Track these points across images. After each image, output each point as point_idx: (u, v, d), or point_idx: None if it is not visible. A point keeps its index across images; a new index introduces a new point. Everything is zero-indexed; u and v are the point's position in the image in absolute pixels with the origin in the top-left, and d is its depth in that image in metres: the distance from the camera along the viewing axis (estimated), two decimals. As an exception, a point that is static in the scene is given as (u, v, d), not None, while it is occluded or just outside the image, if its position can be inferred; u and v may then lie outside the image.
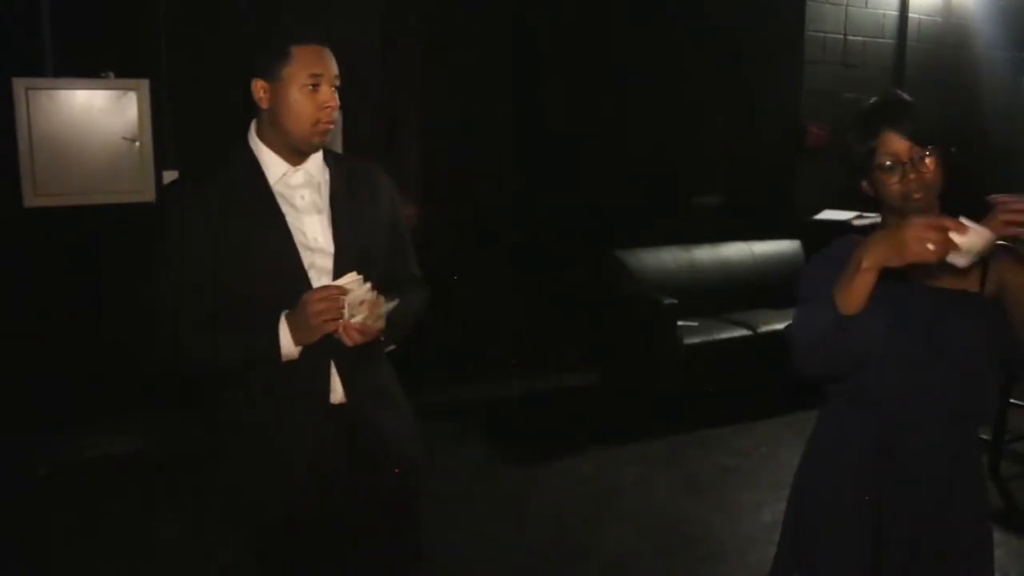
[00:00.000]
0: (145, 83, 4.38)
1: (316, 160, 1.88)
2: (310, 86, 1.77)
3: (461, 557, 3.35)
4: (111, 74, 4.32)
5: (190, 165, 4.50)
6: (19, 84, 4.15)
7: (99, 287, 4.44)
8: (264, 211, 1.80)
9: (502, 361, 5.69)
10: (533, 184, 5.67)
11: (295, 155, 1.85)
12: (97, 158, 4.36)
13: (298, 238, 1.81)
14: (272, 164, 1.83)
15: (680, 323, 4.86)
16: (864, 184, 1.72)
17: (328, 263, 1.83)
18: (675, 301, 4.83)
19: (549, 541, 3.49)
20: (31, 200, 4.24)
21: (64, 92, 4.25)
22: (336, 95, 1.82)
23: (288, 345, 1.75)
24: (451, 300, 4.80)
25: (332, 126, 1.83)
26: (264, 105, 1.80)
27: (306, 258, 1.81)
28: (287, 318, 1.75)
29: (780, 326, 5.00)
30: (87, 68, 4.29)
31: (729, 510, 3.78)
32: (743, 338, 4.98)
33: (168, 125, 4.47)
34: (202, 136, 4.46)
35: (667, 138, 6.08)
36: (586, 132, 5.75)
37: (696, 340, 4.87)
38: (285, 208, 1.82)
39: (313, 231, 1.84)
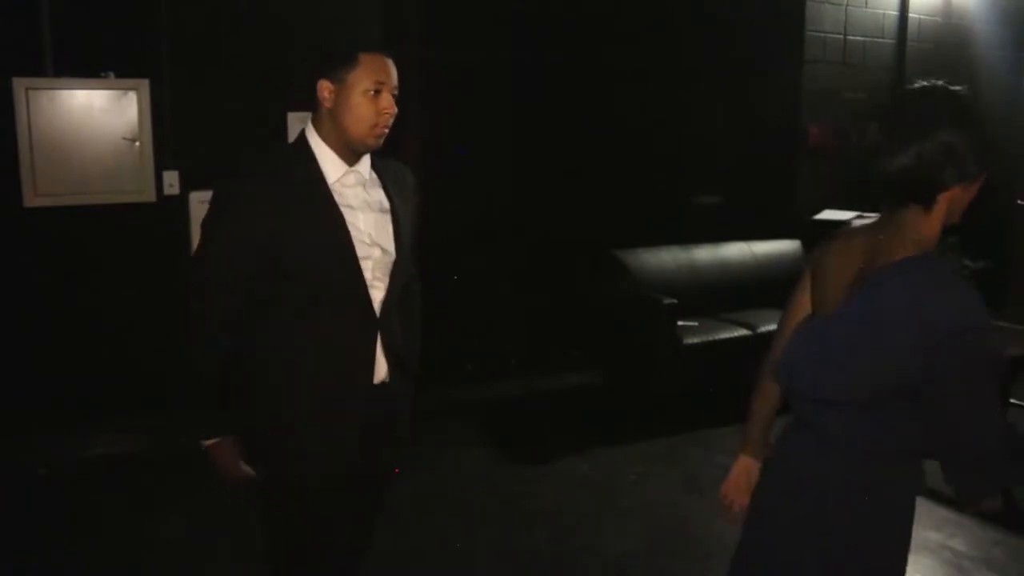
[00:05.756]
0: (145, 83, 4.38)
1: (366, 161, 2.01)
2: (372, 91, 1.88)
3: (461, 557, 3.36)
4: (111, 74, 4.33)
5: (197, 159, 4.50)
6: (19, 84, 4.16)
7: (99, 287, 4.44)
8: (324, 209, 1.91)
9: (502, 361, 5.69)
10: (533, 184, 5.67)
11: (351, 154, 1.95)
12: (97, 158, 4.36)
13: (353, 234, 1.93)
14: (331, 163, 1.94)
15: (680, 323, 4.86)
16: None
17: (379, 255, 1.97)
18: (675, 301, 4.82)
19: (549, 540, 3.49)
20: (31, 200, 4.25)
21: (64, 92, 4.26)
22: (395, 103, 1.92)
23: None
24: (451, 300, 4.81)
25: (387, 130, 1.94)
26: (328, 105, 1.91)
27: (361, 252, 1.94)
28: None
29: (780, 326, 5.00)
30: (87, 68, 4.29)
31: (729, 510, 3.77)
32: (743, 338, 4.97)
33: (168, 125, 4.47)
34: (202, 136, 4.47)
35: (667, 138, 6.09)
36: (587, 132, 5.75)
37: (696, 340, 4.87)
38: (341, 206, 1.93)
39: (367, 227, 1.96)
